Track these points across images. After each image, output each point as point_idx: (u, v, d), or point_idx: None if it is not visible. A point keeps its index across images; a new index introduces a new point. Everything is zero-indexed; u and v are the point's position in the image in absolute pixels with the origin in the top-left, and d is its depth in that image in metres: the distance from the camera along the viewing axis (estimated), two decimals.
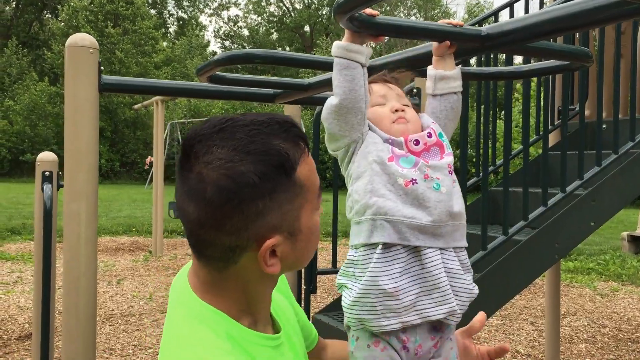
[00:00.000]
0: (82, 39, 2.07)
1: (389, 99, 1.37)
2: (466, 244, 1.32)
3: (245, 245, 0.96)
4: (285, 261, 1.01)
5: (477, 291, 1.32)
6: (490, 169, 3.60)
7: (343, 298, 1.30)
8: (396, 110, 1.35)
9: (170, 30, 45.85)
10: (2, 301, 6.50)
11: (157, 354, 4.84)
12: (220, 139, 0.94)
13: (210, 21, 65.75)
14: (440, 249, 1.27)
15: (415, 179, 1.26)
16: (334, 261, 3.43)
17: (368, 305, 1.24)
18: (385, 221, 1.24)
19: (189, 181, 0.94)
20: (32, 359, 3.44)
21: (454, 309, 1.27)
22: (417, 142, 1.31)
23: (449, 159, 1.32)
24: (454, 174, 1.32)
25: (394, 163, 1.27)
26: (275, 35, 46.82)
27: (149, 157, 13.35)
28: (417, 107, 1.59)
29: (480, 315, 1.29)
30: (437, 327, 1.31)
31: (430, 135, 1.33)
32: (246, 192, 0.92)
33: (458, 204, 1.29)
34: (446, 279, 1.26)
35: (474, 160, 3.78)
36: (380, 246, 1.25)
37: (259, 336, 1.03)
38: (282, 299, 1.23)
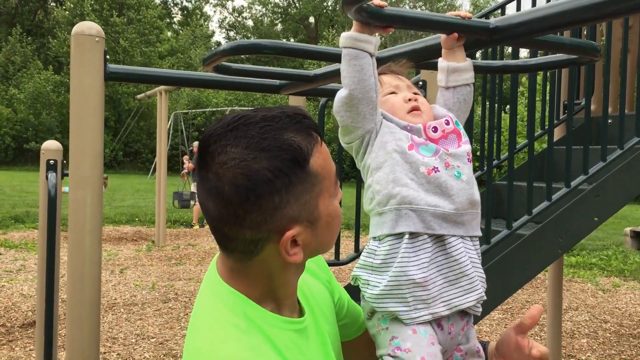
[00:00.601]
0: (89, 27, 2.06)
1: (400, 89, 1.37)
2: (480, 233, 1.31)
3: (267, 238, 1.00)
4: (308, 248, 1.04)
5: (485, 284, 1.32)
6: (495, 162, 3.59)
7: (364, 290, 1.28)
8: (409, 100, 1.34)
9: (175, 20, 45.75)
10: (5, 289, 6.53)
11: (160, 343, 4.87)
12: (233, 137, 0.97)
13: (214, 11, 65.58)
14: (462, 237, 1.26)
15: (437, 167, 1.25)
16: (337, 253, 3.44)
17: (399, 297, 1.23)
18: (410, 210, 1.23)
19: (207, 181, 0.98)
20: (35, 346, 3.46)
21: (482, 296, 1.26)
22: (435, 129, 1.30)
23: (466, 146, 1.31)
24: (472, 163, 1.31)
25: (415, 151, 1.26)
26: (279, 27, 46.70)
27: (187, 162, 13.20)
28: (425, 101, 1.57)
29: (535, 309, 1.26)
30: (465, 311, 1.30)
31: (448, 123, 1.32)
32: (262, 188, 0.95)
33: (477, 193, 1.30)
34: (472, 267, 1.26)
35: (478, 154, 3.77)
36: (407, 236, 1.23)
37: (279, 319, 1.05)
38: (316, 285, 1.25)
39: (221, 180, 0.96)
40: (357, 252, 3.48)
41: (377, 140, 1.29)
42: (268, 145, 0.96)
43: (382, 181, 1.27)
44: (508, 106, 3.31)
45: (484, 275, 1.31)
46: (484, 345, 1.37)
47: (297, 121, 1.01)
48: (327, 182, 1.04)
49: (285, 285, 1.08)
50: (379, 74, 1.38)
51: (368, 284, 1.28)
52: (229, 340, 0.97)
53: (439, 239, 1.25)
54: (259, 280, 1.05)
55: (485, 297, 1.27)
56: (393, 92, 1.36)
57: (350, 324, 1.36)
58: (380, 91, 1.34)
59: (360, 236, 3.51)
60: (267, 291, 1.06)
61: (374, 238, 1.29)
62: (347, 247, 8.35)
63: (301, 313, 1.14)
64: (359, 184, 3.25)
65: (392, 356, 1.23)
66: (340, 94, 1.30)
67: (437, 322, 1.26)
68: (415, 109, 1.33)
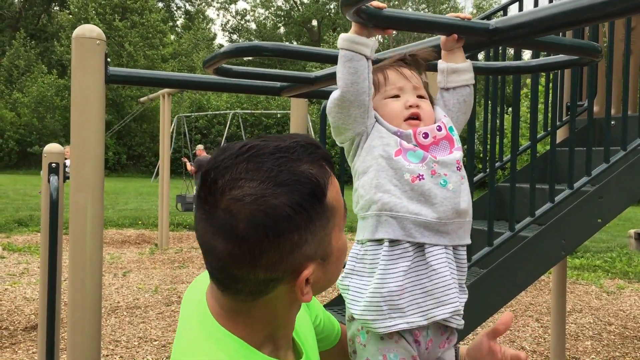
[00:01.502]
0: (90, 30, 2.07)
1: (404, 91, 1.33)
2: (469, 242, 1.30)
3: (280, 278, 0.94)
4: (317, 285, 0.99)
5: (466, 295, 1.31)
6: (497, 164, 3.59)
7: (350, 303, 1.27)
8: (410, 106, 1.31)
9: (178, 23, 45.86)
10: (9, 292, 6.54)
11: (162, 346, 4.87)
12: (246, 170, 0.90)
13: (217, 14, 65.72)
14: (445, 246, 1.25)
15: (422, 175, 1.24)
16: None
17: (375, 306, 1.23)
18: (391, 217, 1.23)
19: (216, 218, 0.90)
20: (38, 350, 3.45)
21: (458, 308, 1.25)
22: (426, 135, 1.29)
23: (458, 154, 1.30)
24: (463, 169, 1.29)
25: (401, 157, 1.25)
26: (282, 30, 46.76)
27: (190, 164, 13.30)
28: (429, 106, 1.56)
29: (507, 316, 1.25)
30: (446, 325, 1.29)
31: (440, 129, 1.31)
32: (283, 226, 0.89)
33: (465, 201, 1.28)
34: (451, 278, 1.24)
35: (481, 156, 3.76)
36: (386, 243, 1.23)
37: None
38: (302, 314, 1.21)
39: (235, 218, 0.88)
40: None
41: (366, 144, 1.29)
42: (287, 180, 0.89)
43: (366, 186, 1.27)
44: (510, 108, 3.31)
45: (465, 287, 1.30)
46: (456, 349, 1.36)
47: (311, 152, 0.95)
48: (339, 217, 1.00)
49: (287, 324, 1.04)
50: (389, 66, 1.36)
51: (348, 290, 1.28)
52: None
53: (419, 248, 1.24)
54: (259, 321, 0.99)
55: (461, 310, 1.26)
56: (395, 96, 1.33)
57: (327, 337, 1.35)
58: (383, 90, 1.33)
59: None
60: (266, 333, 1.00)
61: (357, 241, 1.30)
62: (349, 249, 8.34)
63: (295, 351, 1.11)
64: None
65: None
66: (334, 95, 1.30)
67: (414, 337, 1.25)
68: (414, 115, 1.31)
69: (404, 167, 1.24)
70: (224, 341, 0.97)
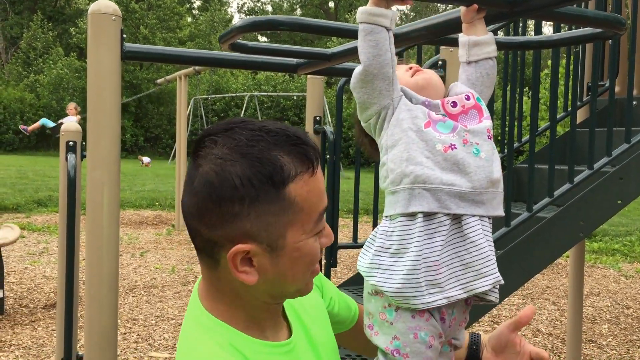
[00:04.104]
0: (106, 6, 2.06)
1: (399, 67, 1.37)
2: (503, 213, 1.28)
3: (220, 244, 0.97)
4: (265, 275, 0.98)
5: None
6: (516, 145, 3.54)
7: (383, 282, 1.23)
8: (410, 68, 1.36)
9: (195, 5, 45.80)
10: (29, 271, 6.63)
11: (179, 325, 4.92)
12: (224, 137, 0.97)
13: None
14: (480, 217, 1.23)
15: (455, 144, 1.22)
16: (355, 237, 3.43)
17: (414, 282, 1.20)
18: (424, 189, 1.20)
19: (189, 170, 0.99)
20: (56, 327, 3.50)
21: (499, 279, 1.22)
22: (454, 104, 1.27)
23: (487, 122, 1.28)
24: (492, 139, 1.28)
25: (431, 129, 1.23)
26: (299, 12, 46.49)
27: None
28: (443, 79, 1.54)
29: (529, 309, 1.24)
30: (468, 301, 1.27)
31: (468, 98, 1.29)
32: (226, 192, 0.94)
33: (497, 171, 1.25)
34: (489, 249, 1.22)
35: (499, 137, 3.72)
36: (420, 216, 1.20)
37: (266, 345, 1.02)
38: (313, 297, 1.21)
39: (197, 171, 0.96)
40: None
41: (394, 117, 1.27)
42: (250, 153, 0.94)
43: (396, 159, 1.24)
44: (530, 91, 3.26)
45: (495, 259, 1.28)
46: (476, 337, 1.35)
47: (294, 143, 0.97)
48: (304, 216, 0.98)
49: (261, 308, 1.04)
50: None
51: (379, 268, 1.24)
52: None
53: (456, 219, 1.22)
54: (233, 299, 1.02)
55: (502, 281, 1.23)
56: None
57: (343, 320, 1.34)
58: (396, 64, 1.33)
59: (378, 221, 3.49)
60: (248, 314, 1.03)
61: (387, 217, 1.27)
62: (365, 232, 8.34)
63: (289, 330, 1.11)
64: (378, 169, 3.23)
65: (390, 357, 1.23)
66: (357, 70, 1.28)
67: (440, 315, 1.23)
68: (417, 70, 1.35)
69: (435, 138, 1.22)
70: (209, 326, 1.02)
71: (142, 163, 22.74)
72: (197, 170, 0.96)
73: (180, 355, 1.01)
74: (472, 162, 1.22)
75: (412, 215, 1.22)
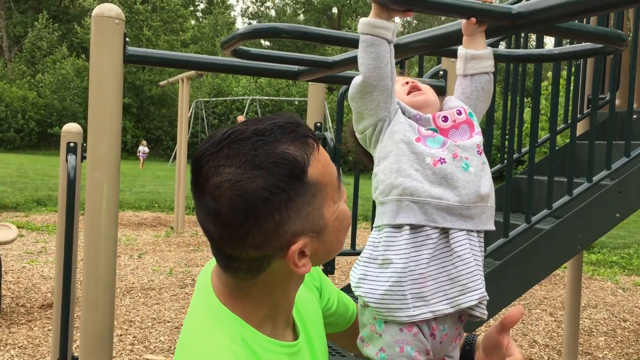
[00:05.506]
0: (109, 9, 2.07)
1: (396, 80, 1.35)
2: (493, 228, 1.27)
3: (272, 255, 0.97)
4: (316, 256, 1.01)
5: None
6: (515, 156, 3.54)
7: (368, 292, 1.23)
8: (407, 83, 1.35)
9: (199, 8, 45.91)
10: (26, 270, 6.63)
11: (176, 328, 4.91)
12: (225, 157, 0.93)
13: (237, 0, 65.56)
14: (468, 231, 1.23)
15: (444, 158, 1.22)
16: (353, 243, 3.42)
17: (399, 294, 1.20)
18: (412, 202, 1.21)
19: (204, 203, 0.94)
20: (52, 327, 3.50)
21: (484, 295, 1.22)
22: (445, 119, 1.27)
23: (478, 138, 1.28)
24: (483, 154, 1.27)
25: (421, 143, 1.24)
26: (302, 17, 46.59)
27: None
28: (443, 89, 1.55)
29: (515, 309, 1.22)
30: (461, 317, 1.27)
31: (459, 113, 1.29)
32: (261, 208, 0.92)
33: (486, 186, 1.25)
34: (475, 264, 1.22)
35: (499, 147, 3.72)
36: (407, 228, 1.21)
37: (275, 343, 1.03)
38: (307, 297, 1.22)
39: (218, 203, 0.92)
40: None
41: (388, 129, 1.27)
42: (262, 162, 0.92)
43: (387, 170, 1.25)
44: (531, 99, 3.27)
45: (483, 275, 1.27)
46: (472, 337, 1.35)
47: (290, 130, 0.96)
48: (329, 189, 1.00)
49: (286, 298, 1.06)
50: None
51: (365, 278, 1.24)
52: None
53: (443, 233, 1.22)
54: (259, 298, 1.02)
55: (487, 297, 1.23)
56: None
57: (340, 318, 1.35)
58: (395, 77, 1.33)
59: None
60: (265, 311, 1.03)
61: (376, 228, 1.28)
62: (364, 239, 8.34)
63: (295, 331, 1.12)
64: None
65: None
66: (356, 81, 1.28)
67: (430, 331, 1.23)
68: (414, 87, 1.34)
69: (425, 152, 1.23)
70: (222, 318, 1.01)
71: (141, 159, 22.73)
72: (216, 201, 0.92)
73: (189, 342, 1.01)
74: (461, 176, 1.23)
75: (399, 227, 1.22)
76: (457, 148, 1.24)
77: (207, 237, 0.99)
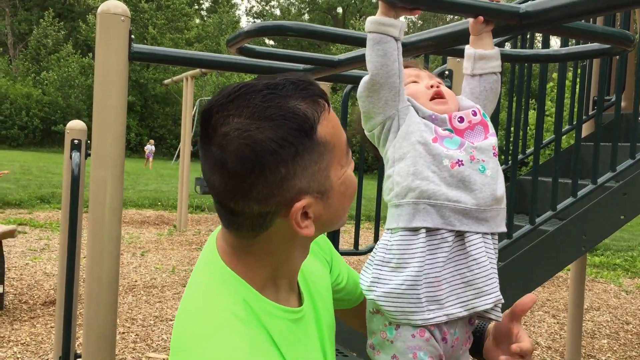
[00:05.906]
0: (115, 6, 2.06)
1: (421, 78, 1.34)
2: (505, 229, 1.27)
3: (275, 211, 0.95)
4: (320, 220, 1.00)
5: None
6: (520, 157, 3.53)
7: (381, 296, 1.21)
8: (431, 87, 1.31)
9: (203, 7, 45.96)
10: (29, 267, 6.64)
11: None
12: (235, 107, 0.92)
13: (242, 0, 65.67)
14: (483, 234, 1.22)
15: (462, 161, 1.21)
16: (356, 243, 3.42)
17: (414, 298, 1.18)
18: (429, 205, 1.19)
19: (211, 154, 0.93)
20: (55, 324, 3.51)
21: (500, 298, 1.21)
22: (461, 119, 1.26)
23: (493, 139, 1.26)
24: (497, 156, 1.27)
25: (439, 144, 1.22)
26: (307, 16, 46.61)
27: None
28: (449, 89, 1.52)
29: (527, 297, 1.21)
30: (471, 320, 1.26)
31: (475, 114, 1.28)
32: (267, 159, 0.90)
33: (501, 188, 1.24)
34: (490, 267, 1.21)
35: (503, 148, 3.71)
36: (423, 232, 1.19)
37: (278, 308, 1.02)
38: (317, 267, 1.21)
39: (225, 152, 0.91)
40: (376, 242, 3.46)
41: (402, 129, 1.25)
42: (272, 114, 0.91)
43: (403, 173, 1.22)
44: (536, 101, 3.26)
45: (497, 278, 1.26)
46: (482, 325, 1.33)
47: (303, 88, 0.95)
48: (337, 151, 0.99)
49: (289, 262, 1.04)
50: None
51: (378, 282, 1.22)
52: (226, 329, 0.94)
53: (459, 236, 1.21)
54: (262, 258, 1.01)
55: (503, 300, 1.22)
56: (414, 82, 1.33)
57: (349, 297, 1.34)
58: (403, 75, 1.31)
59: (380, 228, 3.49)
60: (269, 273, 1.02)
61: (388, 230, 1.26)
62: (367, 239, 8.34)
63: (300, 298, 1.11)
64: (381, 176, 3.23)
65: None
66: (364, 79, 1.27)
67: (442, 335, 1.22)
68: (438, 94, 1.30)
69: (442, 153, 1.21)
70: (225, 279, 1.00)
71: (148, 160, 22.77)
72: (223, 151, 0.91)
73: (191, 302, 1.00)
74: (478, 179, 1.21)
75: (415, 230, 1.20)
76: (474, 150, 1.23)
77: (211, 193, 0.97)
